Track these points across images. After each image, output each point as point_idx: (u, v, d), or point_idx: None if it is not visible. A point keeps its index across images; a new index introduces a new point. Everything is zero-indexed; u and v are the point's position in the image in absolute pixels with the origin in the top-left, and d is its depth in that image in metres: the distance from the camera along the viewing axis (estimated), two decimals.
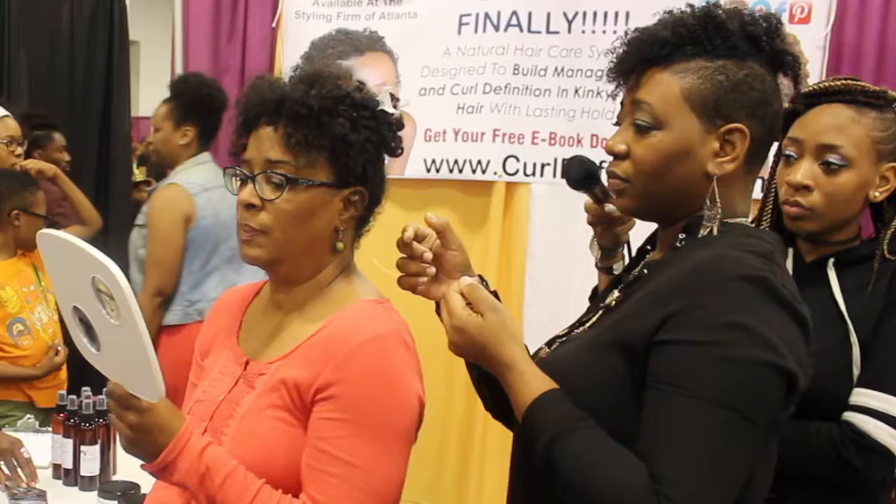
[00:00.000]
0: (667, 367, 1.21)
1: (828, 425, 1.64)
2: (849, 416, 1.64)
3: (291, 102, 1.40)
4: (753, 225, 1.48)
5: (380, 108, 1.45)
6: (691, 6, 1.35)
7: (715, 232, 1.29)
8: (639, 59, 1.33)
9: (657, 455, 1.18)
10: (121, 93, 5.57)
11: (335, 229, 1.46)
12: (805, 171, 1.72)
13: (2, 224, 3.22)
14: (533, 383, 1.30)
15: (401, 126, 1.47)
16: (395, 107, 1.47)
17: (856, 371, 1.66)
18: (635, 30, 1.36)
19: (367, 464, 1.35)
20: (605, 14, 3.25)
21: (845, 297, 1.70)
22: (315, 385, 1.37)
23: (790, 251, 1.80)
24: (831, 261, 1.74)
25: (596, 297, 1.55)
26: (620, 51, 1.36)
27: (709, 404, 1.17)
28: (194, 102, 3.47)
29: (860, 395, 1.64)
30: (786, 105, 1.76)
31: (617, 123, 1.39)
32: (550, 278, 3.32)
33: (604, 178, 1.48)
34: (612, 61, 1.37)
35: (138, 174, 6.38)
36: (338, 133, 1.40)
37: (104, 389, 1.34)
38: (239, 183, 1.46)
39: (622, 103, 1.38)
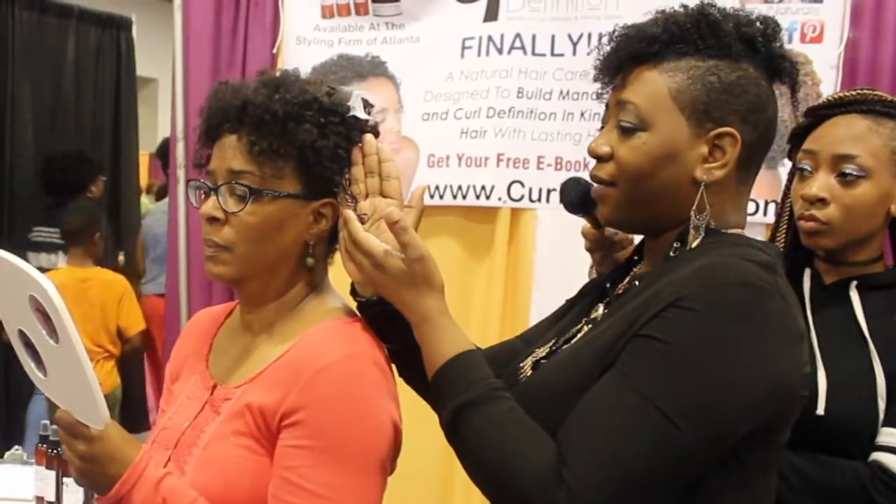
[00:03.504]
0: (626, 355, 1.14)
1: (854, 464, 1.53)
2: (878, 455, 1.53)
3: (254, 108, 1.31)
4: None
5: (351, 113, 1.36)
6: (685, 6, 1.28)
7: (694, 243, 1.22)
8: (626, 56, 1.26)
9: (573, 437, 1.11)
10: (129, 124, 5.60)
11: (305, 244, 1.37)
12: (821, 183, 1.63)
13: (88, 244, 4.12)
14: (448, 340, 1.25)
15: (375, 134, 1.39)
16: (368, 113, 1.38)
17: (881, 403, 1.55)
18: (623, 27, 1.29)
19: (334, 494, 1.25)
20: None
21: (869, 323, 1.60)
22: (281, 410, 1.28)
23: (808, 272, 1.70)
24: (854, 283, 1.64)
25: (570, 308, 1.46)
26: (607, 48, 1.29)
27: (642, 398, 1.09)
28: None
29: (889, 435, 1.53)
30: (801, 120, 1.69)
31: (602, 126, 1.31)
32: (557, 305, 3.21)
33: None
34: (598, 59, 1.30)
35: (147, 203, 6.47)
36: (305, 140, 1.31)
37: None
38: (203, 196, 1.38)
39: (607, 104, 1.30)
